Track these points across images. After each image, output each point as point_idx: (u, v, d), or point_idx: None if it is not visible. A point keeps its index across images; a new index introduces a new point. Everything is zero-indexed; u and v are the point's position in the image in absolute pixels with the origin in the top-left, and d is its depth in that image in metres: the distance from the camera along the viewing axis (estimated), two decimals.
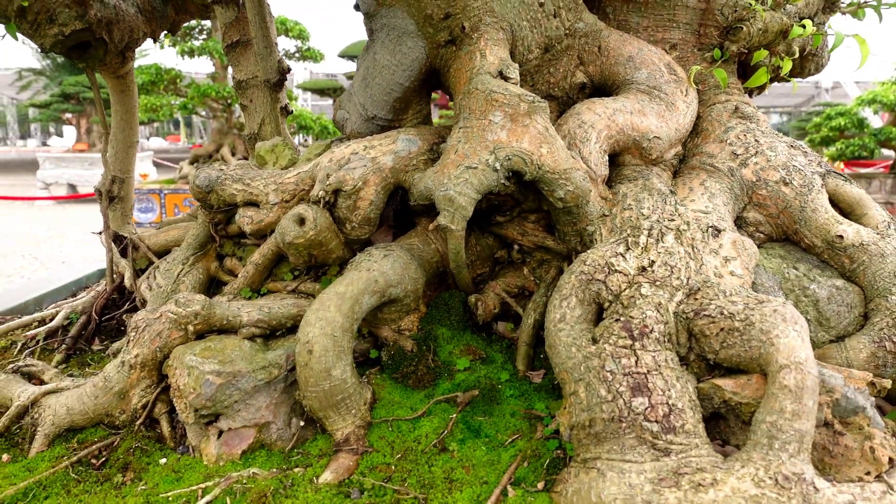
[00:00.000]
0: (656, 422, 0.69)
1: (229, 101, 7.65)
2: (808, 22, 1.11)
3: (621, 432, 0.70)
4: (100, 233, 1.43)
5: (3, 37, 1.15)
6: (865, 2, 1.76)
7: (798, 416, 0.65)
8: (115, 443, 0.91)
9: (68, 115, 15.74)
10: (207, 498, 0.78)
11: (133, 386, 0.92)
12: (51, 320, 1.28)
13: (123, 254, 1.34)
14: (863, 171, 9.22)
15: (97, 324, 1.28)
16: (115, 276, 1.33)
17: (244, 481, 0.81)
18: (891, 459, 0.67)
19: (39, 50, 1.25)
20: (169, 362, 0.91)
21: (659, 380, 0.71)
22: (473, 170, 0.90)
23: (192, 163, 8.31)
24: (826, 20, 1.42)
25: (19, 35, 1.22)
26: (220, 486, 0.80)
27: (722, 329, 0.74)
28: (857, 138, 8.94)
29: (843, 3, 1.42)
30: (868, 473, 0.67)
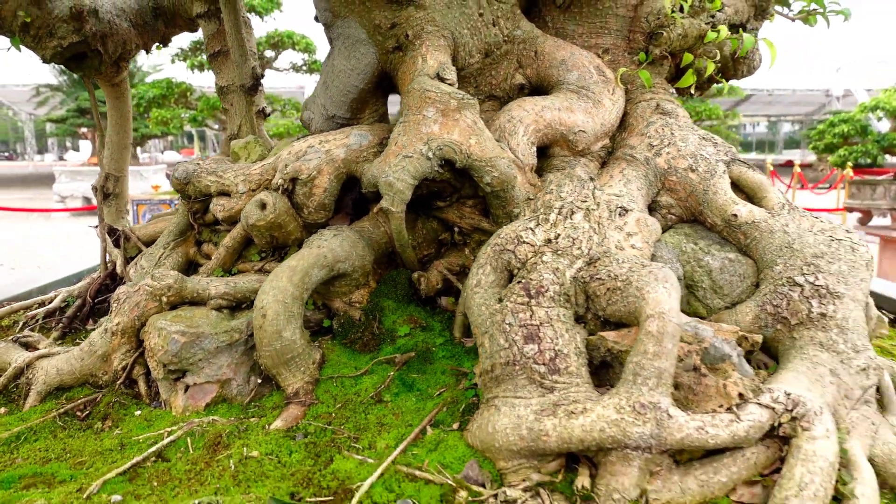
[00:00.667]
0: (543, 364, 0.81)
1: None
2: (722, 28, 1.23)
3: (515, 374, 0.82)
4: (96, 226, 1.58)
5: (8, 49, 1.31)
6: (815, 9, 1.89)
7: (658, 357, 0.77)
8: (98, 399, 1.04)
9: (84, 130, 16.09)
10: (170, 438, 0.91)
11: (115, 350, 1.06)
12: (49, 303, 1.43)
13: (116, 244, 1.49)
14: (869, 177, 9.23)
15: (91, 306, 1.42)
16: (108, 264, 1.48)
17: (204, 426, 0.94)
18: (741, 395, 0.78)
19: (41, 61, 1.40)
20: (145, 329, 1.05)
21: (549, 330, 0.84)
22: (410, 158, 1.03)
23: None
24: (759, 26, 1.54)
25: (24, 49, 1.38)
26: (182, 429, 0.93)
27: (608, 289, 0.86)
28: (861, 145, 8.93)
29: (772, 10, 1.54)
30: (721, 406, 0.78)
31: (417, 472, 0.80)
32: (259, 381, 1.03)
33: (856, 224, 10.72)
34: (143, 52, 1.62)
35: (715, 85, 1.56)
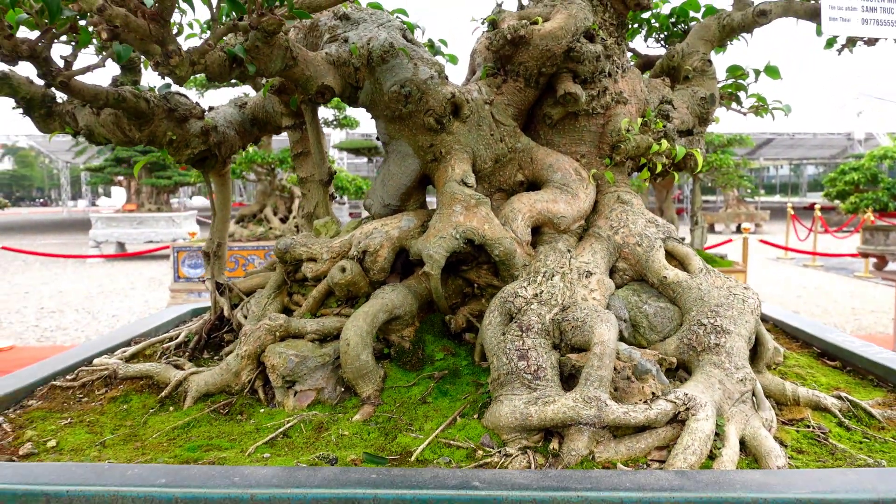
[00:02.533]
0: (530, 374, 1.32)
1: (273, 167, 8.60)
2: (663, 142, 1.76)
3: (512, 380, 1.33)
4: (203, 280, 2.13)
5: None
6: (763, 105, 2.43)
7: (600, 368, 1.27)
8: (233, 401, 1.57)
9: (120, 178, 17.04)
10: (289, 424, 1.43)
11: (243, 368, 1.59)
12: (176, 338, 1.97)
13: (221, 294, 2.04)
14: (881, 223, 9.57)
15: (205, 340, 1.96)
16: (217, 309, 2.02)
17: (309, 417, 1.46)
18: (654, 394, 1.28)
19: (175, 163, 1.99)
20: (265, 353, 1.58)
21: (534, 353, 1.34)
22: (443, 238, 1.57)
23: (238, 222, 9.26)
24: (703, 130, 2.07)
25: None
26: (295, 419, 1.45)
27: (573, 327, 1.37)
28: (871, 192, 9.29)
29: (713, 118, 2.07)
30: (641, 401, 1.28)
31: (451, 442, 1.31)
32: (342, 389, 1.55)
33: (872, 270, 11.00)
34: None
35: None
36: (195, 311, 2.50)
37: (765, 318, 2.34)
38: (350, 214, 21.56)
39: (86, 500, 1.03)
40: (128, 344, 2.03)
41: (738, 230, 19.95)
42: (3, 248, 11.34)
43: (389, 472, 1.11)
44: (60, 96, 1.82)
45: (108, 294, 13.14)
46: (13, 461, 1.27)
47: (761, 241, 11.17)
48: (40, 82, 1.50)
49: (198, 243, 9.46)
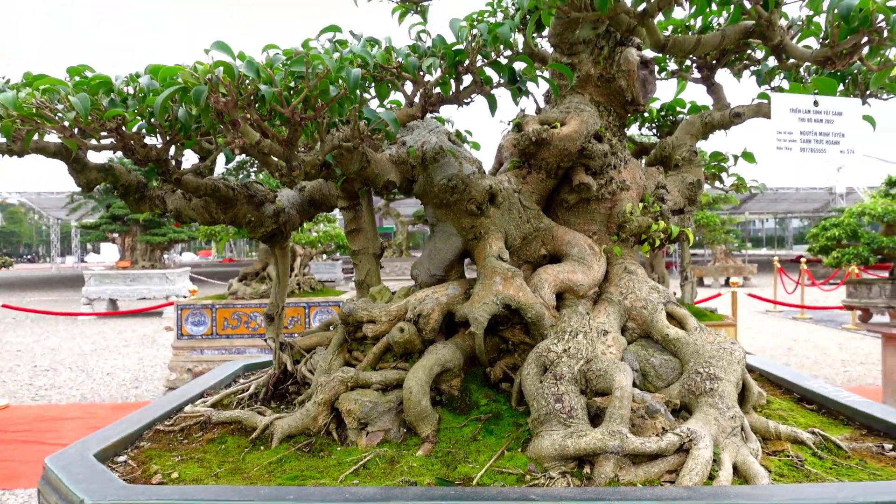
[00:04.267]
0: (565, 414, 1.68)
1: None
2: (661, 222, 2.18)
3: (550, 419, 1.69)
4: (266, 339, 2.48)
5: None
6: (742, 183, 2.88)
7: (621, 409, 1.64)
8: (312, 442, 1.90)
9: (115, 235, 17.34)
10: (367, 458, 1.77)
11: (319, 413, 1.94)
12: (247, 389, 2.31)
13: (283, 351, 2.39)
14: (865, 276, 10.08)
15: (272, 392, 2.30)
16: (280, 364, 2.37)
17: (381, 453, 1.80)
18: (664, 429, 1.64)
19: (250, 239, 2.37)
20: (339, 401, 1.93)
21: (567, 397, 1.71)
22: (486, 304, 1.95)
23: (240, 280, 9.58)
24: (692, 209, 2.50)
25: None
26: (370, 454, 1.79)
27: (597, 375, 1.75)
28: (853, 247, 9.78)
29: (699, 198, 2.50)
30: (654, 434, 1.64)
31: (502, 470, 1.65)
32: (405, 430, 1.89)
33: (857, 322, 11.44)
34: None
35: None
36: (246, 366, 2.84)
37: (752, 369, 2.72)
38: (342, 270, 21.88)
39: None
40: (201, 396, 2.37)
41: (727, 283, 20.50)
42: (4, 305, 11.52)
43: (463, 490, 1.46)
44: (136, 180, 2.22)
45: (102, 351, 13.23)
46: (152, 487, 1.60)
47: (750, 294, 11.63)
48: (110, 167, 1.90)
49: (201, 301, 9.73)
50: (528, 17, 1.94)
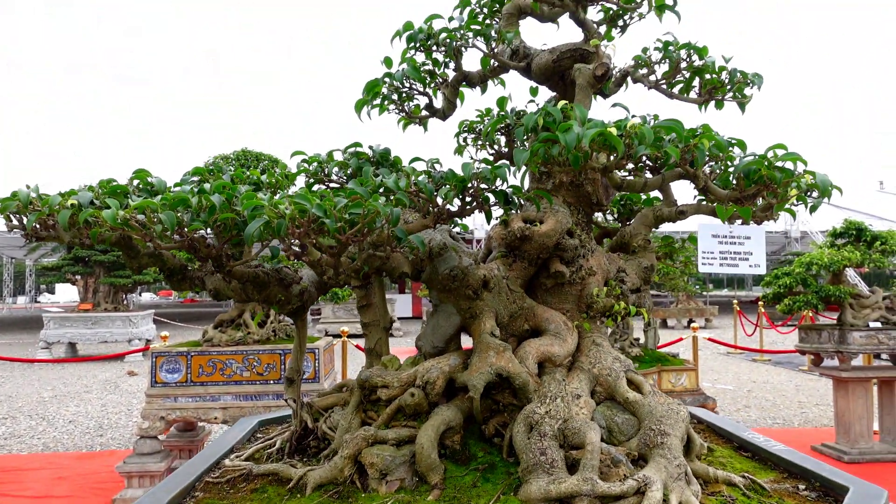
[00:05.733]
0: (548, 465, 2.18)
1: None
2: (622, 302, 2.73)
3: (537, 469, 2.18)
4: (286, 399, 2.92)
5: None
6: (692, 262, 3.45)
7: (592, 460, 2.14)
8: (340, 490, 2.35)
9: (77, 277, 17.29)
10: (389, 502, 2.22)
11: (345, 465, 2.39)
12: (274, 445, 2.74)
13: (302, 409, 2.84)
14: (815, 323, 10.89)
15: (295, 447, 2.74)
16: (300, 422, 2.82)
17: (399, 499, 2.26)
18: (625, 475, 2.15)
19: (277, 313, 2.83)
20: (362, 455, 2.38)
21: (549, 450, 2.21)
22: (482, 373, 2.45)
23: (216, 327, 9.84)
24: (647, 288, 3.07)
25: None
26: (390, 499, 2.25)
27: (573, 433, 2.25)
28: (802, 295, 10.54)
29: (652, 277, 3.07)
30: (618, 480, 2.15)
31: None
32: (417, 479, 2.36)
33: (810, 366, 12.24)
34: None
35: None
36: (261, 422, 3.26)
37: (701, 421, 3.27)
38: (310, 313, 22.10)
39: None
40: (231, 451, 2.79)
41: (690, 325, 21.36)
42: None
43: None
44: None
45: (63, 398, 13.13)
46: None
47: (709, 339, 12.34)
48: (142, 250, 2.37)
49: (176, 348, 9.95)
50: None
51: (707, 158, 1.96)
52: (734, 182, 1.96)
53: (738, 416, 10.39)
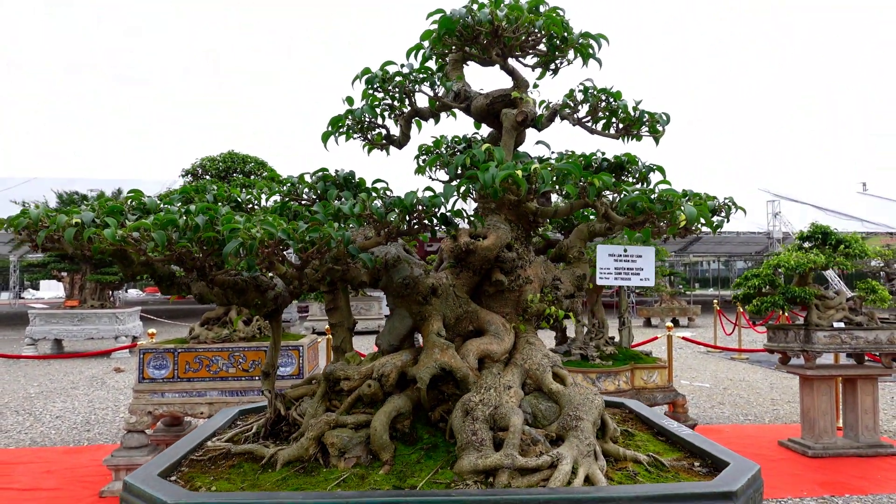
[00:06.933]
0: (478, 443, 2.66)
1: None
2: (554, 308, 3.20)
3: (469, 447, 2.66)
4: (262, 391, 3.39)
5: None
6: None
7: (514, 439, 2.62)
8: (305, 466, 2.82)
9: (63, 274, 17.62)
10: (345, 475, 2.70)
11: (310, 445, 2.86)
12: (251, 430, 3.21)
13: (276, 399, 3.31)
14: (782, 323, 11.44)
15: (269, 431, 3.21)
16: (274, 410, 3.28)
17: (356, 473, 2.73)
18: (541, 452, 2.63)
19: (257, 316, 3.30)
20: (325, 436, 2.85)
21: (480, 432, 2.69)
22: (429, 367, 2.92)
23: (202, 324, 10.26)
24: (581, 294, 3.54)
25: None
26: (348, 473, 2.72)
27: (501, 417, 2.73)
28: (770, 296, 11.05)
29: (585, 287, 3.55)
30: (535, 456, 2.63)
31: (437, 481, 2.61)
32: (371, 456, 2.83)
33: (777, 364, 12.82)
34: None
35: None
36: (241, 411, 3.72)
37: (632, 411, 3.76)
38: (297, 309, 22.54)
39: None
40: (214, 434, 3.25)
41: (676, 324, 21.97)
42: None
43: (411, 491, 2.41)
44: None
45: (49, 394, 13.50)
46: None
47: (684, 338, 12.86)
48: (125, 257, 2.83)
49: (163, 345, 10.40)
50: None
51: (606, 191, 2.44)
52: (627, 211, 2.44)
53: (712, 412, 10.92)
